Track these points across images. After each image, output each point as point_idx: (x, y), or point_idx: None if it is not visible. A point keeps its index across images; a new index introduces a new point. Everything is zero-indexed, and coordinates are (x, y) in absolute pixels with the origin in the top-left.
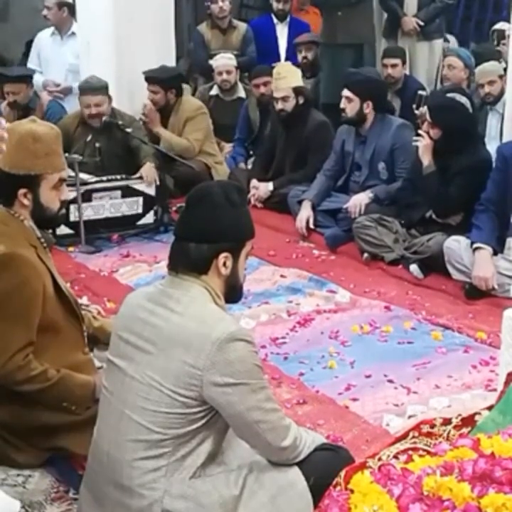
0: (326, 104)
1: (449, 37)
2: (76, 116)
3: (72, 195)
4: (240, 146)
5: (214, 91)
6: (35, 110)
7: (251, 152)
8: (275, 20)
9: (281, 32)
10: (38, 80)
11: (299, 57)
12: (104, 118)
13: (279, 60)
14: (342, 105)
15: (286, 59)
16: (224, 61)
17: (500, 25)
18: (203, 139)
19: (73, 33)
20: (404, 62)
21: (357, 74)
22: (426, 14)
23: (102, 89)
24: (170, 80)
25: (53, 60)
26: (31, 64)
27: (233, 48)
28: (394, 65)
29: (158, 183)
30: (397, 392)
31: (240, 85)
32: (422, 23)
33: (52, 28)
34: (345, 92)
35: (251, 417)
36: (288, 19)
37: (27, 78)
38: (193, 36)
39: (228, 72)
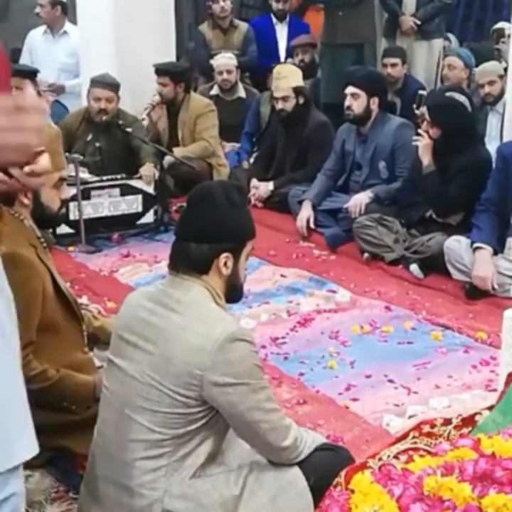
0: (327, 104)
1: (450, 36)
2: (79, 114)
3: (71, 192)
4: (246, 140)
5: (214, 91)
6: None
7: (256, 147)
8: (274, 20)
9: (281, 32)
10: None
11: (296, 59)
12: (104, 117)
13: (278, 59)
14: (347, 103)
15: (286, 59)
16: (224, 61)
17: (500, 25)
18: (216, 135)
19: (65, 32)
20: (404, 62)
21: (360, 70)
22: (424, 13)
23: (114, 86)
24: (179, 74)
25: (45, 59)
26: (23, 62)
27: (234, 47)
28: (394, 65)
29: (156, 181)
30: (397, 392)
31: (240, 85)
32: (419, 23)
33: (44, 27)
34: (351, 89)
35: (251, 417)
36: (287, 19)
37: (31, 75)
38: (194, 36)
39: (229, 72)
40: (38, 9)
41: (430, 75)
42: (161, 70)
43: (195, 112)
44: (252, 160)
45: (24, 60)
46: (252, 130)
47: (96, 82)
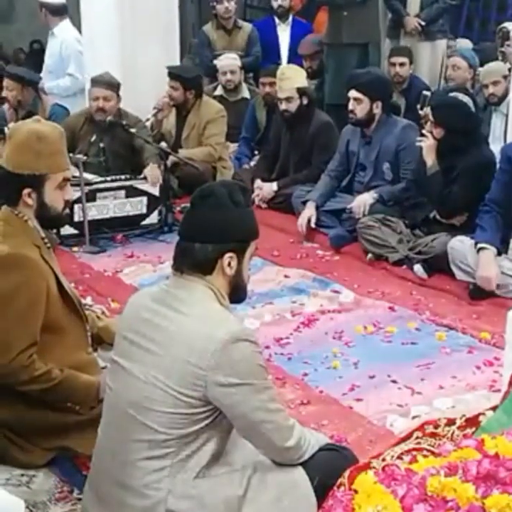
0: (332, 105)
1: (463, 40)
2: (82, 115)
3: (76, 195)
4: (245, 145)
5: (218, 91)
6: (38, 114)
7: (256, 151)
8: (277, 20)
9: (283, 33)
10: None
11: (305, 65)
12: (108, 118)
13: (279, 61)
14: (350, 107)
15: (289, 60)
16: (228, 61)
17: (506, 25)
18: (223, 142)
19: (53, 33)
20: (411, 62)
21: (365, 74)
22: (428, 14)
23: (113, 85)
24: (191, 81)
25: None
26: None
27: (238, 48)
28: (402, 64)
29: (161, 183)
30: (400, 392)
31: (245, 85)
32: (423, 23)
33: None
34: (354, 93)
35: (255, 417)
36: (290, 19)
37: (23, 80)
38: (198, 36)
39: (232, 72)
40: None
41: (434, 75)
42: (173, 74)
43: (206, 117)
44: (253, 163)
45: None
46: (249, 135)
47: (95, 82)
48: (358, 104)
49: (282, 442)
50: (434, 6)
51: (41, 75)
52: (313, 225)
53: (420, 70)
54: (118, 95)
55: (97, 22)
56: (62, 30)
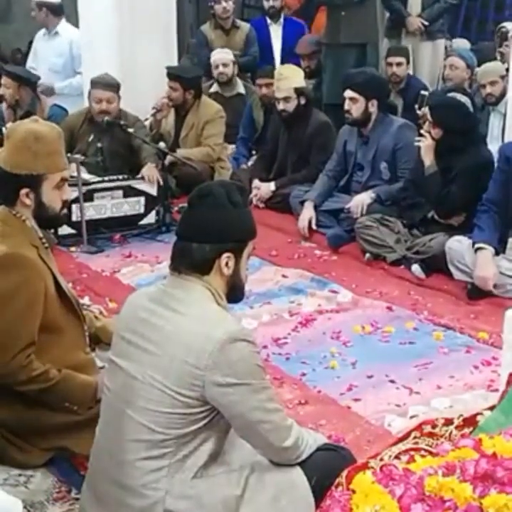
0: (330, 105)
1: (460, 40)
2: (81, 114)
3: (73, 194)
4: (242, 145)
5: (214, 88)
6: (37, 114)
7: (254, 151)
8: (269, 20)
9: (276, 33)
10: None
11: (303, 64)
12: (106, 118)
13: (273, 61)
14: (346, 107)
15: (282, 61)
16: (220, 55)
17: (505, 25)
18: (222, 142)
19: (57, 33)
20: (408, 62)
21: (359, 73)
22: (430, 14)
23: (114, 86)
24: (191, 81)
25: (41, 60)
26: (30, 63)
27: (236, 48)
28: (399, 64)
29: (160, 182)
30: (398, 392)
31: (240, 81)
32: (426, 23)
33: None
34: (349, 93)
35: (253, 417)
36: (282, 19)
37: (20, 79)
38: (196, 36)
39: (224, 65)
40: (33, 13)
41: (434, 75)
42: (172, 75)
43: (205, 117)
44: (250, 163)
45: (30, 60)
46: (247, 135)
47: (96, 84)
48: (354, 103)
49: (280, 442)
50: (435, 5)
51: (39, 74)
52: (314, 227)
53: (421, 70)
54: (119, 96)
55: (96, 22)
56: (66, 29)
